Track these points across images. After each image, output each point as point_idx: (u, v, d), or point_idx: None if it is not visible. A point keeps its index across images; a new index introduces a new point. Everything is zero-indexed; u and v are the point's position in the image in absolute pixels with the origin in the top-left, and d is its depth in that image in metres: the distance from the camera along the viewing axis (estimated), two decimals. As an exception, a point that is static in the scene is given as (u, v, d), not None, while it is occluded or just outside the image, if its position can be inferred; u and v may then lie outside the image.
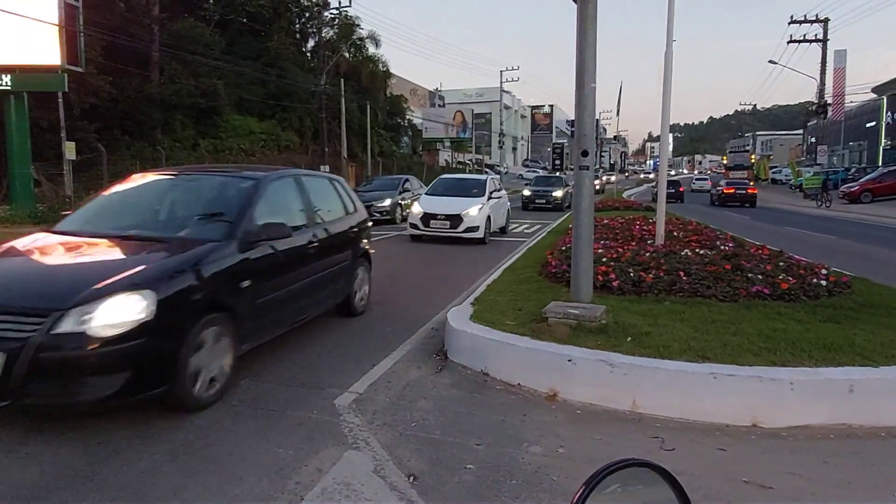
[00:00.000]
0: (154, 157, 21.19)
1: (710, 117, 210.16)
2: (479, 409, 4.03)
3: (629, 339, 4.53)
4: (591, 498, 0.89)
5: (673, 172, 76.71)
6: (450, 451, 3.39)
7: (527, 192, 25.08)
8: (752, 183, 34.74)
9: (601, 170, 44.10)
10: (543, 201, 24.08)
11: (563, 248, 8.13)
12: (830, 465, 3.29)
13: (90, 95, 20.18)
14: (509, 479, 3.08)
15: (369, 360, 4.99)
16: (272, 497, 2.91)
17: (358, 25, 37.16)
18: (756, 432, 3.65)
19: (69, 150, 17.64)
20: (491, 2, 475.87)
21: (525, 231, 16.97)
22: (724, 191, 32.45)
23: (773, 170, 55.57)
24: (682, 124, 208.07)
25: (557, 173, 33.50)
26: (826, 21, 41.14)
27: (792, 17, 41.50)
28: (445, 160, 55.66)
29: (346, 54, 36.09)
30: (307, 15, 36.02)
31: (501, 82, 60.74)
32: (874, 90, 43.97)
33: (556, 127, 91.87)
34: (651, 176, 70.41)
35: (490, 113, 67.49)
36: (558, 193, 24.19)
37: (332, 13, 34.26)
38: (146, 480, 3.06)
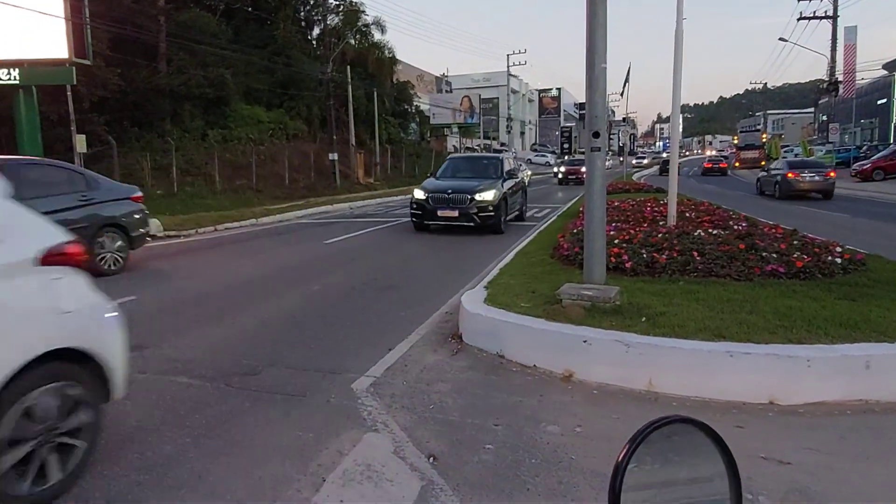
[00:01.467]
0: (164, 149, 21.28)
1: (721, 97, 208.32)
2: (496, 390, 4.06)
3: (644, 319, 4.54)
4: (637, 454, 0.91)
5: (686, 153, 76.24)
6: (469, 432, 3.42)
7: (419, 194, 12.80)
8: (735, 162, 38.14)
9: (610, 152, 44.21)
10: (454, 214, 12.23)
11: (575, 230, 8.13)
12: (848, 440, 3.30)
13: (99, 88, 20.24)
14: (529, 459, 3.12)
15: (385, 345, 5.04)
16: (295, 479, 2.96)
17: (363, 12, 36.93)
18: (773, 409, 3.66)
19: (80, 142, 17.73)
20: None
21: (535, 216, 16.94)
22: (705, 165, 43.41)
23: (785, 149, 54.97)
24: (691, 105, 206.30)
25: (502, 154, 20.39)
26: (837, -4, 40.39)
27: (803, -8, 40.81)
28: (454, 146, 55.45)
29: (352, 41, 35.90)
30: (312, 2, 35.80)
31: (508, 66, 60.29)
32: (885, 66, 43.30)
33: (564, 110, 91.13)
34: (644, 161, 69.84)
35: (497, 98, 67.03)
36: (487, 196, 12.26)
37: (336, 0, 34.11)
38: (171, 464, 3.12)
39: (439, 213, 12.21)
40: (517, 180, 14.17)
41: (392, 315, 6.15)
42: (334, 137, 29.14)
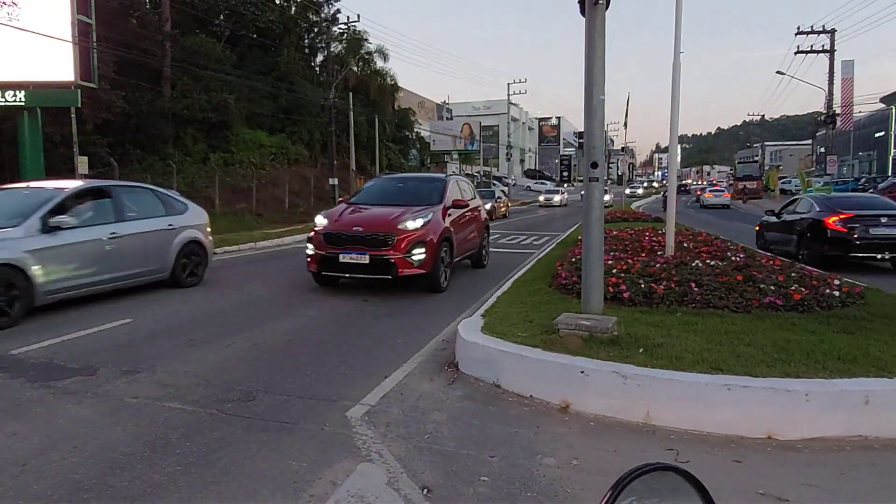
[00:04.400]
0: (165, 171, 21.40)
1: (718, 128, 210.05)
2: (492, 421, 4.02)
3: (641, 350, 4.52)
4: (619, 500, 0.90)
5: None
6: (464, 464, 3.38)
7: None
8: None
9: (609, 181, 45.05)
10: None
11: (573, 259, 8.13)
12: (847, 476, 3.26)
13: (103, 110, 20.43)
14: (525, 492, 3.07)
15: (381, 373, 5.00)
16: (286, 509, 2.91)
17: (366, 40, 37.60)
18: (771, 444, 3.62)
19: (82, 164, 17.84)
20: (498, 15, 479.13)
21: (534, 243, 16.95)
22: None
23: (783, 180, 55.41)
24: (690, 135, 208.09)
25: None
26: (833, 32, 41.08)
27: (799, 27, 41.49)
28: (453, 172, 55.84)
29: (355, 68, 36.43)
30: (316, 30, 36.38)
31: (509, 95, 60.87)
32: (883, 100, 43.83)
33: (564, 139, 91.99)
34: (639, 191, 65.88)
35: (497, 125, 67.71)
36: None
37: (340, 28, 34.63)
38: (159, 494, 3.07)
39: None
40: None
41: (389, 342, 6.12)
42: (335, 162, 29.34)
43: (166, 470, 3.30)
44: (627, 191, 60.02)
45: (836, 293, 6.17)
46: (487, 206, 14.61)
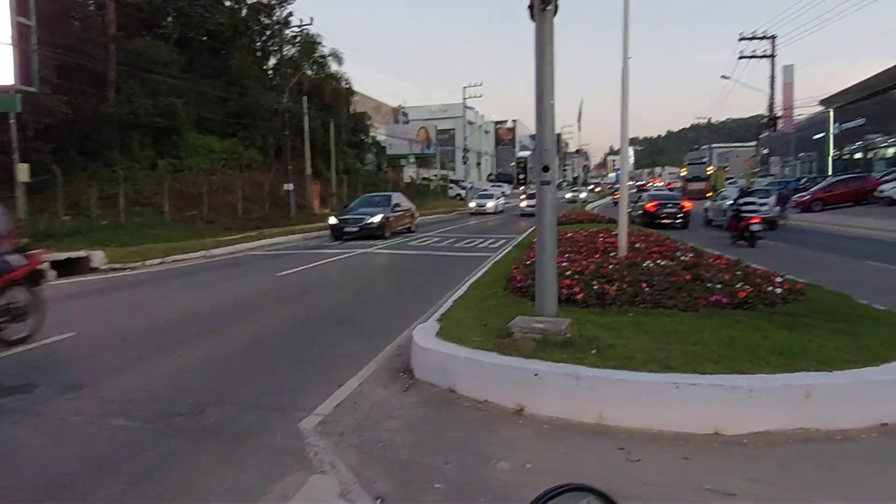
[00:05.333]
0: (111, 178, 20.68)
1: (668, 131, 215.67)
2: (446, 426, 4.01)
3: (594, 351, 4.58)
4: None
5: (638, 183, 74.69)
6: (418, 471, 3.36)
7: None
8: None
9: (564, 183, 44.32)
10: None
11: (528, 262, 8.19)
12: (790, 469, 3.36)
13: (45, 116, 19.61)
14: (478, 497, 3.07)
15: (335, 381, 4.93)
16: (236, 526, 2.84)
17: (320, 43, 37.15)
18: (718, 440, 3.72)
19: (22, 172, 17.07)
20: (453, 20, 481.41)
21: (490, 246, 17.07)
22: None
23: (730, 180, 57.18)
24: (641, 138, 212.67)
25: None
26: (773, 38, 42.84)
27: (742, 34, 43.08)
28: (410, 176, 55.77)
29: (309, 72, 35.95)
30: (268, 33, 35.76)
31: (464, 98, 61.18)
32: (821, 102, 45.70)
33: (520, 141, 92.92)
34: (582, 195, 50.26)
35: (454, 129, 67.98)
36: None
37: (293, 31, 34.17)
38: (103, 514, 2.96)
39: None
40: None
41: (344, 350, 6.05)
42: (289, 167, 28.87)
43: (110, 490, 3.18)
44: (567, 195, 51.26)
45: (779, 290, 6.38)
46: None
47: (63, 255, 12.67)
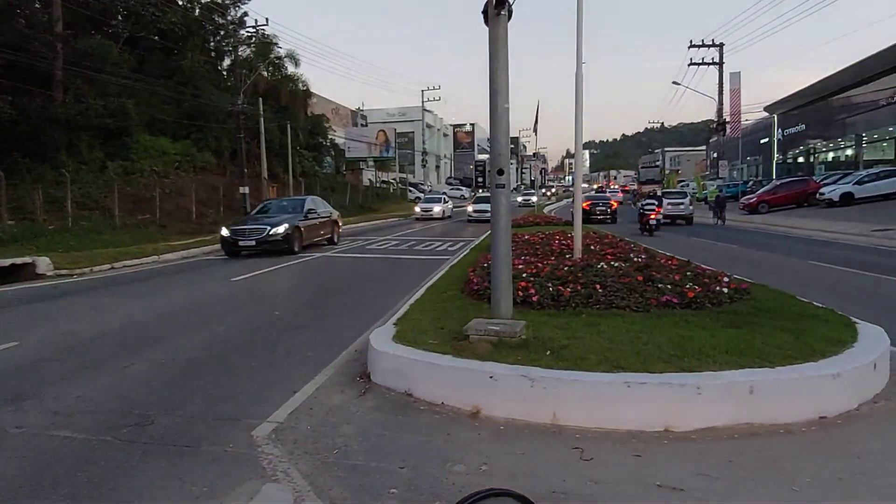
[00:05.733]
0: (58, 181, 19.93)
1: (623, 134, 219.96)
2: (402, 431, 4.00)
3: (548, 352, 4.64)
4: None
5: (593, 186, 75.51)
6: (373, 477, 3.34)
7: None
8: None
9: (522, 186, 44.38)
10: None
11: (485, 264, 8.25)
12: (736, 463, 3.48)
13: (-15, 116, 18.84)
14: (434, 501, 3.08)
15: (290, 387, 4.87)
16: (185, 538, 2.78)
17: (276, 44, 36.70)
18: (668, 437, 3.81)
19: (-40, 175, 16.35)
20: (411, 23, 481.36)
21: (448, 249, 17.10)
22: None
23: (682, 183, 58.73)
24: (597, 141, 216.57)
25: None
26: (721, 46, 44.19)
27: (691, 41, 44.33)
28: (369, 179, 55.45)
29: (265, 73, 35.42)
30: (222, 33, 35.07)
31: (423, 101, 61.35)
32: (766, 109, 47.41)
33: (478, 145, 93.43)
34: (533, 199, 46.54)
35: (413, 132, 67.92)
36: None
37: (248, 31, 33.59)
38: (45, 531, 2.85)
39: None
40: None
41: (299, 355, 5.98)
42: (245, 170, 28.34)
43: (52, 505, 3.07)
44: (519, 199, 49.66)
45: (726, 290, 6.59)
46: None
47: (7, 262, 12.19)
